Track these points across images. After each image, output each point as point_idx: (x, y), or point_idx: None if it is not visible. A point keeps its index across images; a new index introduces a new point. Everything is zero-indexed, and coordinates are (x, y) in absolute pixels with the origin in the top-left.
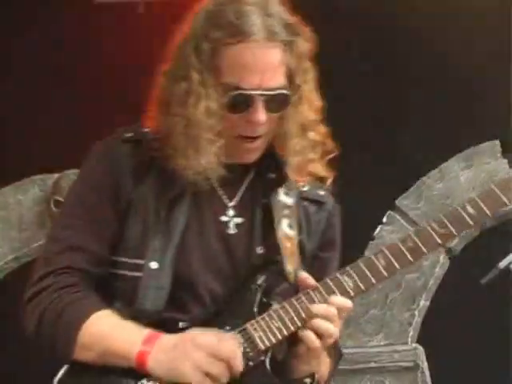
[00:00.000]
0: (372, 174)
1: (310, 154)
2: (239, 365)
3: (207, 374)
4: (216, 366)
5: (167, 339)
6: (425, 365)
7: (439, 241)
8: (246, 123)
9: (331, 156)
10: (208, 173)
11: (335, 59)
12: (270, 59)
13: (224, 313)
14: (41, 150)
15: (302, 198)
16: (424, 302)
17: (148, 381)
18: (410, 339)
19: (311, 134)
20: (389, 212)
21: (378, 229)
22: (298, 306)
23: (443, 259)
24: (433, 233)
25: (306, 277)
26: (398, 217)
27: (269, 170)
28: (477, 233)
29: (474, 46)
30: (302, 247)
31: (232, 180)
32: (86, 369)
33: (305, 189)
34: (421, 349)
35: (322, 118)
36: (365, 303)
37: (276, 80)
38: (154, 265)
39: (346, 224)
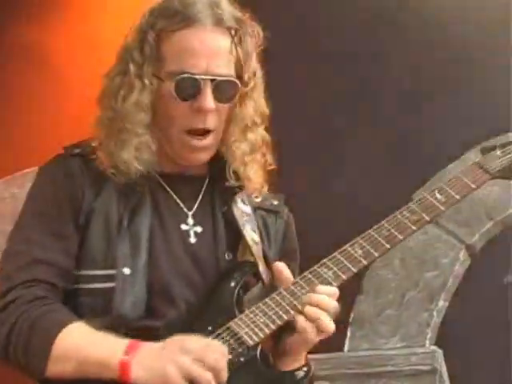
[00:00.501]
0: (389, 166)
1: (250, 159)
2: (225, 375)
3: (193, 380)
4: (202, 372)
5: (152, 346)
6: (443, 369)
7: (414, 227)
8: (195, 113)
9: (271, 168)
10: (131, 170)
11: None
12: (217, 44)
13: (202, 317)
14: (36, 143)
15: (256, 207)
16: (443, 302)
17: None
18: (427, 341)
19: (253, 138)
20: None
21: None
22: (281, 301)
23: (463, 257)
24: (406, 221)
25: (282, 267)
26: None
27: (223, 178)
28: (498, 230)
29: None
30: (264, 256)
31: (188, 190)
32: None
33: (258, 200)
34: (439, 352)
35: (266, 124)
36: (380, 303)
37: (224, 67)
38: (126, 271)
39: (362, 218)
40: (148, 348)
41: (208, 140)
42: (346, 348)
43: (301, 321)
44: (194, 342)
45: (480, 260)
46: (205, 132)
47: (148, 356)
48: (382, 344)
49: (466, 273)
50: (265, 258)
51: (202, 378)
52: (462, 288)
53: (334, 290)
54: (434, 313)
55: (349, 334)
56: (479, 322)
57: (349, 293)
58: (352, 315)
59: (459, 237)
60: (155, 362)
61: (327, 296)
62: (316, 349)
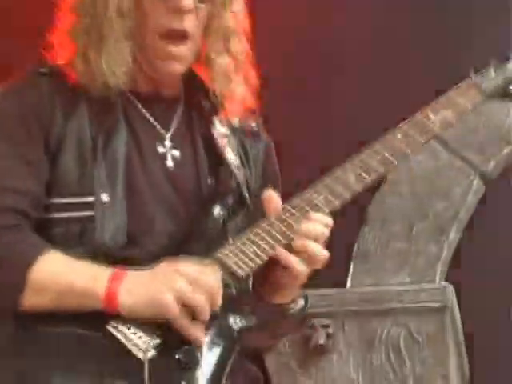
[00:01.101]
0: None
1: (233, 74)
2: (219, 300)
3: (187, 306)
4: (197, 297)
5: (141, 272)
6: (454, 306)
7: (407, 150)
8: (171, 13)
9: (256, 87)
10: (109, 82)
11: None
12: None
13: (187, 248)
14: None
15: (234, 129)
16: (454, 235)
17: (117, 323)
18: (437, 277)
19: (236, 50)
20: None
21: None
22: (270, 229)
23: (477, 185)
24: (399, 143)
25: (271, 195)
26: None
27: (199, 97)
28: None
29: None
30: (247, 182)
31: (164, 110)
32: (37, 320)
33: (235, 122)
34: (450, 287)
35: (249, 39)
36: (386, 235)
37: None
38: (105, 198)
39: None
40: (137, 274)
41: (184, 47)
42: (348, 283)
43: (285, 254)
44: (188, 265)
45: (495, 189)
46: (181, 36)
47: (138, 282)
48: (388, 279)
49: (480, 203)
50: (247, 183)
51: (197, 301)
52: (476, 220)
53: (328, 219)
54: (445, 246)
55: (352, 268)
56: (495, 257)
57: (352, 224)
58: (355, 248)
59: (473, 163)
60: (146, 287)
61: (321, 224)
62: (316, 284)
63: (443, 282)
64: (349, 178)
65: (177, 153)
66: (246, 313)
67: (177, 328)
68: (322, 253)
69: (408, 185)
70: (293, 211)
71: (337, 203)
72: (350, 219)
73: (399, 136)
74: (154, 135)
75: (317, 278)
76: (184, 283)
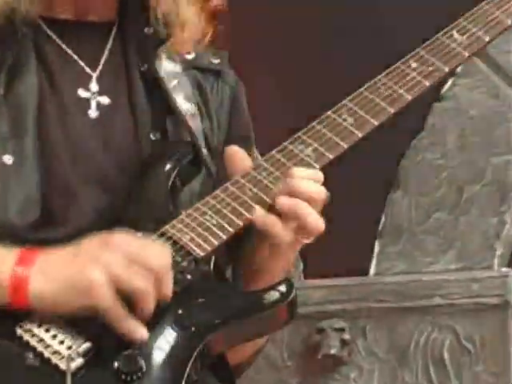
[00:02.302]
0: None
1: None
2: (169, 284)
3: (124, 291)
4: (139, 278)
5: (59, 251)
6: None
7: (426, 82)
8: None
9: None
10: (14, 3)
11: None
12: None
13: (124, 222)
14: None
15: (188, 66)
16: None
17: (31, 324)
18: (496, 261)
19: None
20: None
21: (447, 84)
22: (239, 193)
23: None
24: (414, 73)
25: (235, 150)
26: (481, 65)
27: (139, 23)
28: None
29: None
30: (205, 136)
31: (90, 42)
32: None
33: (190, 56)
34: None
35: None
36: (424, 203)
37: None
38: (7, 159)
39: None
40: (53, 254)
41: None
42: (371, 271)
43: (264, 218)
44: (124, 238)
45: None
46: None
47: (54, 263)
48: (427, 265)
49: None
50: (206, 138)
51: (138, 284)
52: None
53: (316, 172)
54: (507, 218)
55: (376, 249)
56: None
57: (376, 188)
58: (382, 222)
59: None
60: (66, 268)
61: (308, 180)
62: (325, 272)
63: (504, 269)
64: (345, 122)
65: (106, 99)
66: (208, 304)
67: (110, 323)
68: (315, 218)
69: (455, 133)
70: (270, 169)
71: (331, 156)
72: (373, 182)
73: (414, 65)
74: (75, 75)
75: (326, 264)
76: (119, 259)
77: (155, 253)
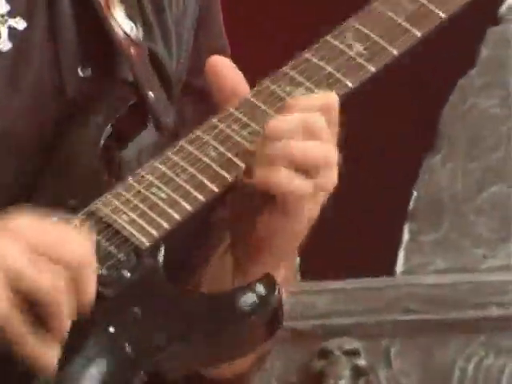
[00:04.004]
0: None
1: None
2: (91, 282)
3: (26, 295)
4: (50, 275)
5: None
6: None
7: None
8: None
9: None
10: None
11: None
12: None
13: (41, 197)
14: None
15: None
16: None
17: None
18: None
19: None
20: None
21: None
22: (198, 153)
23: None
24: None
25: (220, 61)
26: None
27: None
28: None
29: None
30: (157, 64)
31: None
32: None
33: None
34: None
35: None
36: (476, 170)
37: None
38: None
39: None
40: None
41: None
42: (398, 268)
43: (264, 172)
44: (30, 222)
45: None
46: None
47: None
48: (479, 260)
49: None
50: (158, 72)
51: (44, 282)
52: None
53: (331, 98)
54: None
55: (406, 237)
56: None
57: (406, 149)
58: (413, 198)
59: None
60: None
61: (315, 108)
62: (331, 271)
63: None
64: (351, 51)
65: (20, 23)
66: (153, 314)
67: (8, 344)
68: (329, 155)
69: None
70: (244, 119)
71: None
72: (401, 140)
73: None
74: None
75: (333, 260)
76: (21, 250)
77: (72, 242)
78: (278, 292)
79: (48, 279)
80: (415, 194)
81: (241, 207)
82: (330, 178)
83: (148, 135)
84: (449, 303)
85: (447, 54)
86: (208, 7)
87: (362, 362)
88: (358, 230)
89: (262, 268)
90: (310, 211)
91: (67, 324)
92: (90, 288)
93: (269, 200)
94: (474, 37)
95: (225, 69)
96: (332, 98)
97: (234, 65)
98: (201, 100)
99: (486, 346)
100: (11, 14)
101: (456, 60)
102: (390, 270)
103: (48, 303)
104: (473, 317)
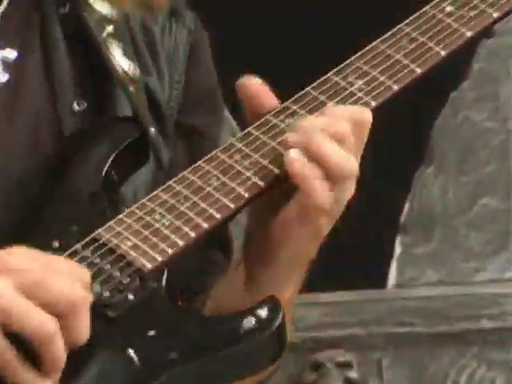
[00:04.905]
0: None
1: None
2: (85, 319)
3: (16, 326)
4: (40, 315)
5: None
6: None
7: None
8: None
9: None
10: None
11: None
12: None
13: (40, 225)
14: None
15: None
16: None
17: None
18: None
19: None
20: None
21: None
22: (200, 182)
23: None
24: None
25: (252, 82)
26: None
27: None
28: None
29: None
30: (152, 101)
31: None
32: None
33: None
34: None
35: None
36: (468, 183)
37: None
38: None
39: None
40: None
41: None
42: (390, 281)
43: (300, 166)
44: (23, 257)
45: None
46: None
47: None
48: (470, 272)
49: None
50: (156, 105)
51: (33, 323)
52: None
53: (364, 113)
54: None
55: (398, 250)
56: None
57: (399, 162)
58: (406, 210)
59: None
60: None
61: (341, 116)
62: (323, 283)
63: None
64: (352, 86)
65: (11, 53)
66: (156, 336)
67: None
68: (349, 161)
69: (507, 85)
70: (246, 151)
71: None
72: (394, 152)
73: (449, 8)
74: None
75: (325, 272)
76: (11, 288)
77: (63, 279)
78: (282, 317)
79: (38, 317)
80: (407, 206)
81: (258, 217)
82: (350, 192)
83: (146, 172)
84: (441, 316)
85: (439, 66)
86: (198, 46)
87: (353, 374)
88: (350, 242)
89: (274, 280)
90: (325, 225)
91: (62, 359)
92: (82, 326)
93: (287, 211)
94: (465, 50)
95: (256, 88)
96: (366, 114)
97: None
98: (191, 138)
99: (477, 359)
100: (2, 44)
101: (448, 73)
102: (382, 283)
103: (38, 341)
104: (464, 329)
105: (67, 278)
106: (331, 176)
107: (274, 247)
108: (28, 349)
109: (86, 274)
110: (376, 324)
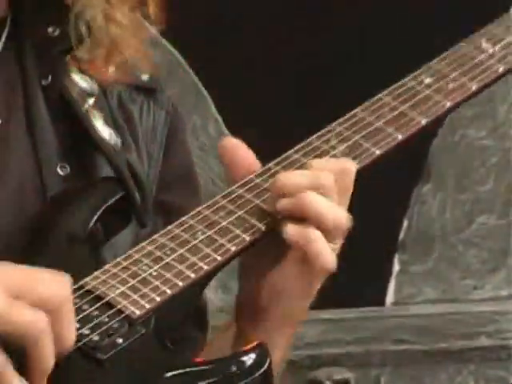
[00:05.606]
0: None
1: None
2: (72, 323)
3: (8, 335)
4: (28, 314)
5: None
6: None
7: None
8: None
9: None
10: None
11: None
12: None
13: None
14: None
15: (107, 85)
16: None
17: None
18: None
19: None
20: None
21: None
22: (186, 235)
23: None
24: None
25: (231, 141)
26: None
27: (41, 20)
28: None
29: None
30: (132, 172)
31: None
32: None
33: (111, 72)
34: None
35: None
36: (465, 201)
37: None
38: None
39: None
40: None
41: None
42: (388, 299)
43: (299, 231)
44: (7, 267)
45: None
46: None
47: None
48: (468, 290)
49: None
50: (135, 176)
51: (22, 320)
52: None
53: (348, 164)
54: None
55: (396, 268)
56: None
57: (398, 180)
58: (404, 228)
59: None
60: None
61: (322, 168)
62: (321, 300)
63: None
64: (334, 150)
65: None
66: (145, 379)
67: None
68: (337, 212)
69: (507, 102)
70: (230, 207)
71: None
72: (392, 170)
73: (428, 80)
74: None
75: (323, 290)
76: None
77: (48, 281)
78: (268, 364)
79: (25, 320)
80: (405, 224)
81: (253, 265)
82: (339, 245)
83: (127, 233)
84: (438, 333)
85: None
86: (175, 127)
87: None
88: (348, 259)
89: (264, 336)
90: (318, 282)
91: (50, 362)
92: (69, 325)
93: (282, 259)
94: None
95: (237, 149)
96: (349, 164)
97: (247, 150)
98: (170, 215)
99: (475, 376)
100: None
101: None
102: (380, 301)
103: (29, 343)
104: (462, 347)
105: (51, 279)
106: (327, 231)
107: (265, 304)
108: (17, 359)
109: (66, 276)
110: (374, 342)
